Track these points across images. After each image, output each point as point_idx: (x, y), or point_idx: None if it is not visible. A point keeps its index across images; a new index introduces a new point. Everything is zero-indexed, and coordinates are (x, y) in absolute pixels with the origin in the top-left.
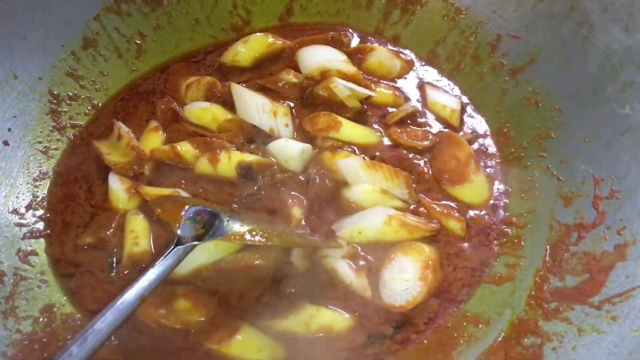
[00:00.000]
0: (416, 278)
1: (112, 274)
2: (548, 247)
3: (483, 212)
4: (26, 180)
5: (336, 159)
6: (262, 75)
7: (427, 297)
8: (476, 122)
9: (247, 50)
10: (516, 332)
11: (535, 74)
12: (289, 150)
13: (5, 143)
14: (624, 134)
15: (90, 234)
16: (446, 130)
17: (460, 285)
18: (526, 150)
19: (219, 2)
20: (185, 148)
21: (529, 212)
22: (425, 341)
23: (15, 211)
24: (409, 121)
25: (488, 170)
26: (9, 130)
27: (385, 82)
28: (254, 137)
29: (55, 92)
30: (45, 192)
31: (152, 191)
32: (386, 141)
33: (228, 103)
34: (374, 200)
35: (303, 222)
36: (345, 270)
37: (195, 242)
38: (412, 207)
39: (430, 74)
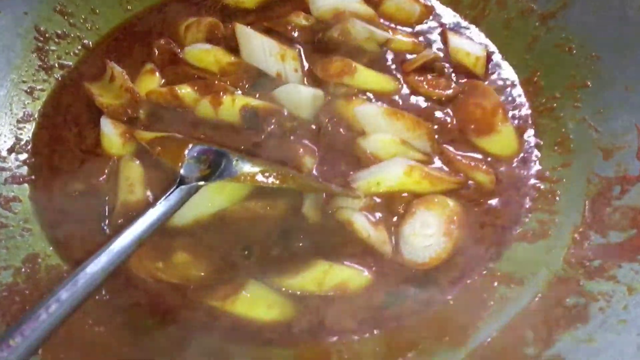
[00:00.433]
0: (440, 233)
1: (104, 224)
2: (587, 202)
3: (513, 166)
4: (9, 122)
5: (353, 106)
6: (268, 18)
7: (452, 254)
8: (503, 72)
9: None
10: (555, 292)
11: (568, 20)
12: (299, 96)
13: None
14: None
15: (81, 180)
16: (470, 79)
17: (488, 243)
18: (559, 101)
19: None
20: (185, 90)
21: (564, 166)
22: (451, 302)
23: None
24: (429, 69)
25: (517, 122)
26: None
27: (403, 27)
28: (259, 82)
29: (42, 29)
30: (30, 135)
31: (148, 135)
32: (404, 90)
33: (231, 46)
34: (393, 152)
35: (315, 173)
36: (362, 222)
37: (201, 183)
38: (434, 159)
39: (452, 19)
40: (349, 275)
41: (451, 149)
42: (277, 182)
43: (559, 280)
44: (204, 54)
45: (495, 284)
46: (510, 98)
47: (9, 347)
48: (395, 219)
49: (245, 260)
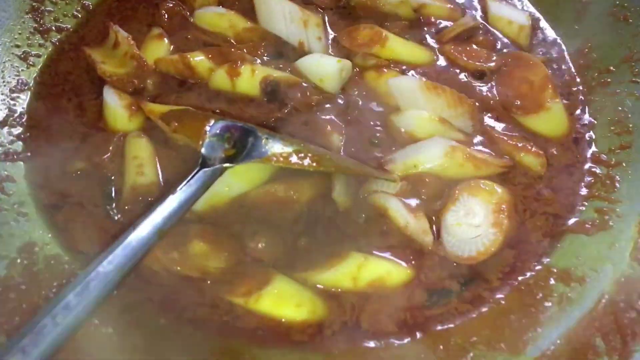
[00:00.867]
0: (488, 224)
1: (110, 208)
2: None
3: (564, 147)
4: (0, 91)
5: (385, 78)
6: None
7: (502, 247)
8: (549, 42)
9: None
10: (625, 293)
11: None
12: (325, 67)
13: None
14: None
15: (82, 158)
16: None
17: (540, 235)
18: (614, 75)
19: None
20: (199, 59)
21: (623, 148)
22: (503, 302)
23: None
24: (468, 39)
25: (566, 99)
26: None
27: None
28: (279, 50)
29: None
30: (25, 106)
31: (158, 108)
32: (440, 62)
33: (246, 11)
34: (431, 130)
35: (342, 153)
36: (399, 209)
37: (226, 165)
38: (475, 140)
39: None
40: (387, 270)
41: (495, 127)
42: (314, 164)
43: (628, 279)
44: (217, 18)
45: (552, 281)
46: (558, 72)
47: None
48: (434, 205)
49: (270, 251)
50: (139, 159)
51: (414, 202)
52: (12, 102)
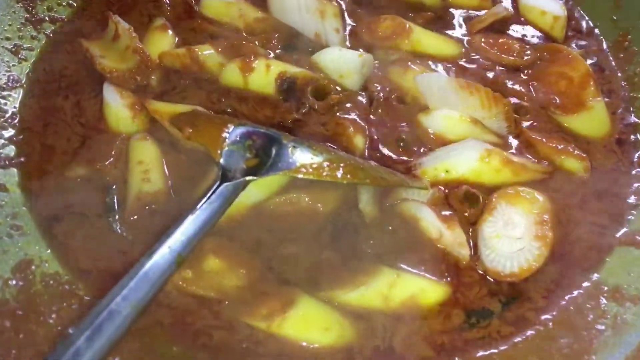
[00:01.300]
0: (530, 236)
1: (113, 220)
2: None
3: (607, 149)
4: None
5: (412, 74)
6: None
7: (546, 262)
8: (585, 34)
9: None
10: None
11: None
12: (346, 62)
13: None
14: None
15: (82, 163)
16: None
17: (586, 247)
18: None
19: None
20: (207, 52)
21: None
22: (550, 324)
23: None
24: (499, 30)
25: (606, 97)
26: None
27: None
28: (292, 43)
29: None
30: (17, 105)
31: (164, 108)
32: (470, 55)
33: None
34: (462, 132)
35: (366, 154)
36: (432, 219)
37: (249, 178)
38: (510, 142)
39: None
40: (420, 288)
41: (531, 128)
42: (348, 176)
43: None
44: (225, 7)
45: (603, 301)
46: (596, 67)
47: None
48: (468, 215)
49: (292, 267)
50: (145, 164)
51: (446, 211)
52: (2, 102)
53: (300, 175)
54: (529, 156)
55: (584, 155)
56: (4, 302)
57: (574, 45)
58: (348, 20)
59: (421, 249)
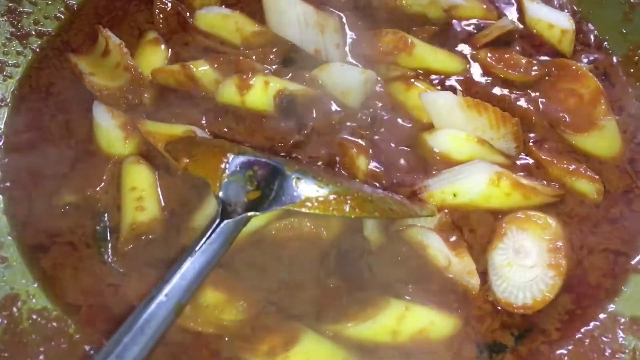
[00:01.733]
0: (543, 264)
1: (105, 250)
2: None
3: (619, 170)
4: None
5: (415, 92)
6: None
7: (560, 293)
8: (593, 48)
9: None
10: None
11: None
12: (348, 78)
13: None
14: None
15: (71, 189)
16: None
17: (600, 275)
18: None
19: None
20: (203, 69)
21: None
22: (566, 358)
23: None
24: (505, 44)
25: (617, 115)
26: None
27: None
28: (291, 57)
29: None
30: (2, 125)
31: (157, 128)
32: (475, 70)
33: (254, 12)
34: (469, 153)
35: (369, 178)
36: (440, 246)
37: (251, 213)
38: (519, 163)
39: None
40: (430, 320)
41: (541, 148)
42: (356, 209)
43: None
44: (220, 20)
45: (621, 334)
46: (606, 83)
47: None
48: (476, 241)
49: (295, 298)
50: (138, 190)
51: (454, 237)
52: None
53: (304, 210)
54: (539, 177)
55: (597, 177)
56: None
57: (583, 59)
58: (348, 34)
59: (429, 278)
